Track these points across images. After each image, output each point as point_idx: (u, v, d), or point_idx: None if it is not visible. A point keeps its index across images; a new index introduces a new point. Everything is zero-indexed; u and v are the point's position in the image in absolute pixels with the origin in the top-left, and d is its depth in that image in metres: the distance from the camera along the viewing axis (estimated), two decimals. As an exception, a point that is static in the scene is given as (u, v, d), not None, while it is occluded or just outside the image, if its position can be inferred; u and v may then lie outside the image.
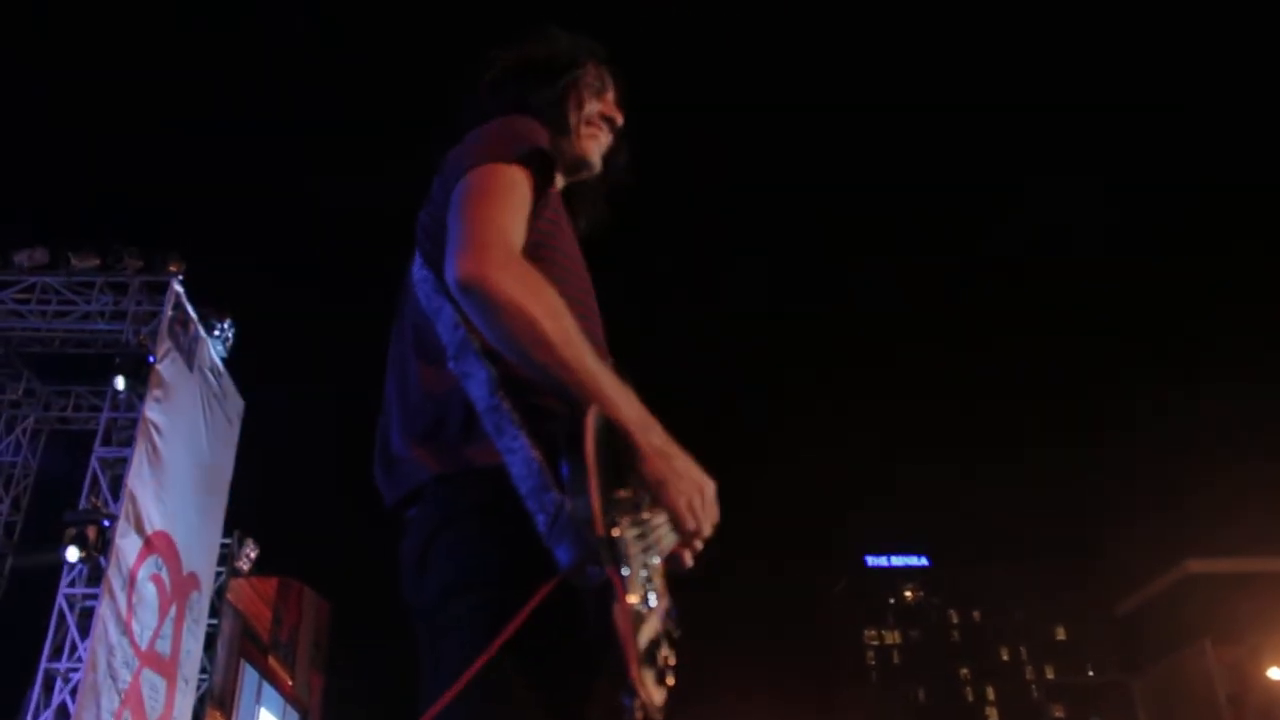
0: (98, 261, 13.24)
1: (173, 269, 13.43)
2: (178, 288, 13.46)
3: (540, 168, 1.81)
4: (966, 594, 79.82)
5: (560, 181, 1.98)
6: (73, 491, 12.32)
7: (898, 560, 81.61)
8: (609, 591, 1.40)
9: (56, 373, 14.45)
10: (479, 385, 1.62)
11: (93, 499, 12.11)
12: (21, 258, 13.04)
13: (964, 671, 77.60)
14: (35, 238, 13.27)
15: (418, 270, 1.86)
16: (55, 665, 11.28)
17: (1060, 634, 78.36)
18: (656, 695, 1.43)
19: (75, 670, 11.19)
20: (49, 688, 11.25)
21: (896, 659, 78.68)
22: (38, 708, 11.14)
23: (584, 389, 1.55)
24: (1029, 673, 77.34)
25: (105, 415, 12.70)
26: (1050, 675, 75.73)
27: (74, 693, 11.09)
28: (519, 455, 1.53)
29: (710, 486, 1.64)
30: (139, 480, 12.34)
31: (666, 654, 1.48)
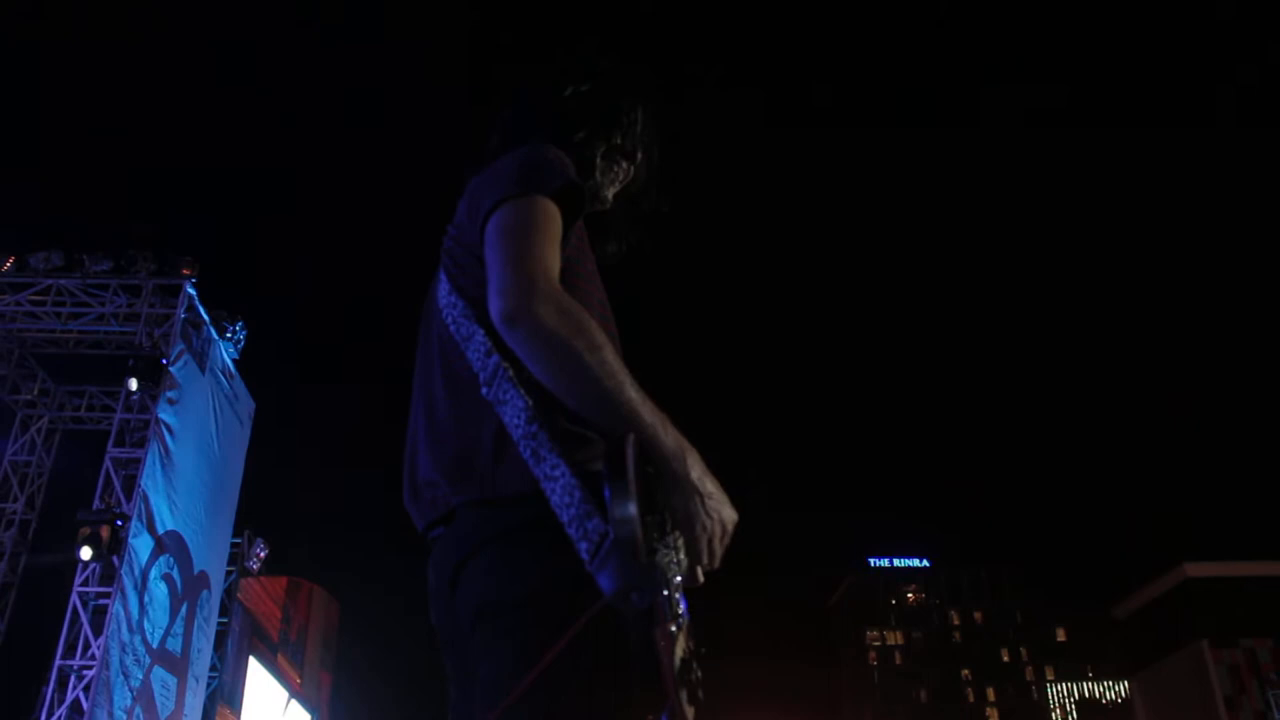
0: (111, 264, 13.42)
1: (185, 272, 13.61)
2: (190, 290, 13.65)
3: (573, 201, 1.82)
4: (968, 595, 79.84)
5: None
6: (86, 491, 12.48)
7: (900, 562, 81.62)
8: (650, 616, 1.42)
9: (70, 373, 14.65)
10: (515, 413, 1.62)
11: (106, 499, 12.28)
12: (37, 260, 13.21)
13: (965, 672, 77.60)
14: (51, 240, 13.46)
15: (444, 296, 1.86)
16: (69, 662, 11.44)
17: (1060, 635, 78.42)
18: (689, 713, 1.46)
19: (88, 667, 11.35)
20: (63, 684, 11.42)
21: (898, 659, 78.67)
22: (51, 704, 11.30)
23: (625, 420, 1.58)
24: (1029, 674, 77.37)
25: (118, 416, 12.86)
26: (1050, 676, 75.82)
27: (87, 689, 11.26)
28: (559, 483, 1.53)
29: (733, 523, 1.66)
30: (151, 480, 12.52)
31: (696, 672, 1.50)
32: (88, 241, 13.55)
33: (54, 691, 11.37)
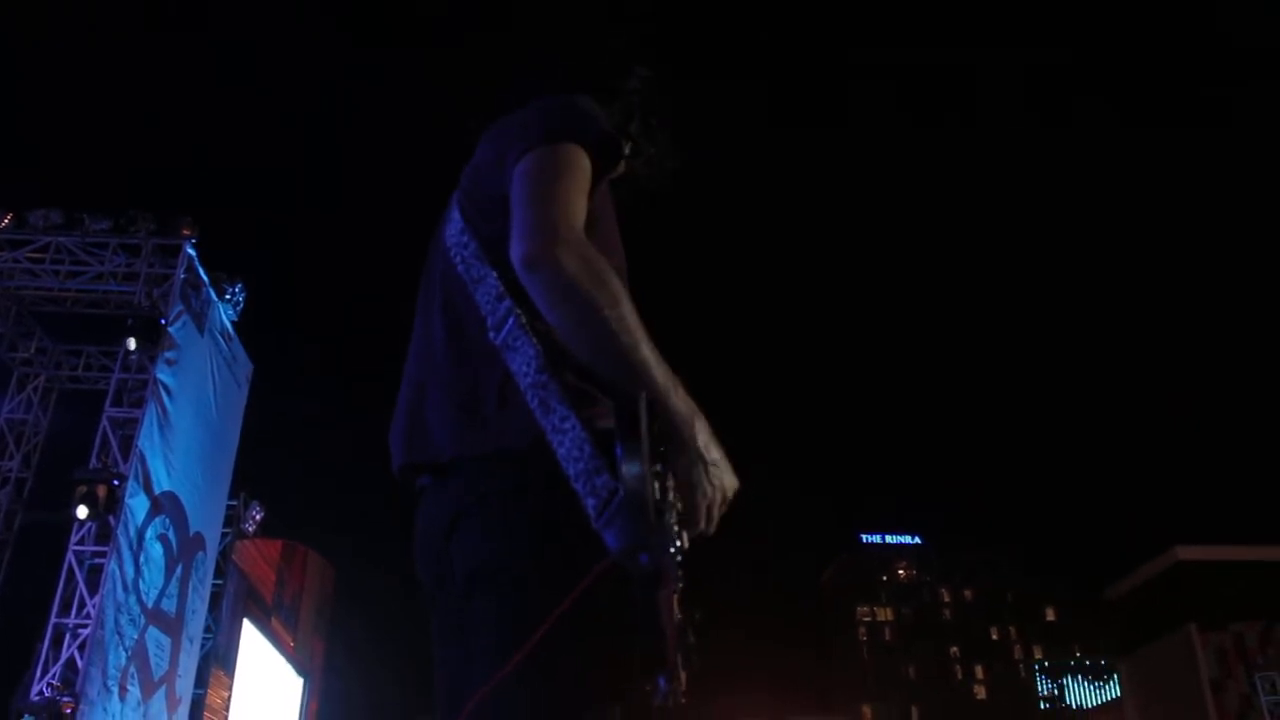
0: (111, 223, 13.35)
1: (185, 232, 13.54)
2: (190, 251, 13.58)
3: (606, 153, 1.78)
4: (958, 573, 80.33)
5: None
6: (82, 450, 12.47)
7: (892, 539, 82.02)
8: (656, 578, 1.40)
9: (68, 332, 14.60)
10: (525, 360, 1.59)
11: (102, 458, 12.28)
12: (37, 217, 13.13)
13: (954, 649, 78.21)
14: (51, 198, 13.38)
15: (455, 235, 1.82)
16: (64, 621, 11.47)
17: (1050, 615, 78.99)
18: (682, 677, 1.45)
19: (83, 626, 11.38)
20: (58, 643, 11.44)
21: (888, 635, 79.22)
22: (46, 662, 11.34)
23: (638, 377, 1.54)
24: (1018, 652, 77.97)
25: (116, 376, 12.83)
26: (1038, 656, 76.40)
27: (81, 648, 11.30)
28: (569, 435, 1.50)
29: (734, 490, 1.64)
30: (148, 441, 12.51)
31: (691, 637, 1.49)
32: (88, 199, 13.48)
33: (49, 649, 11.39)
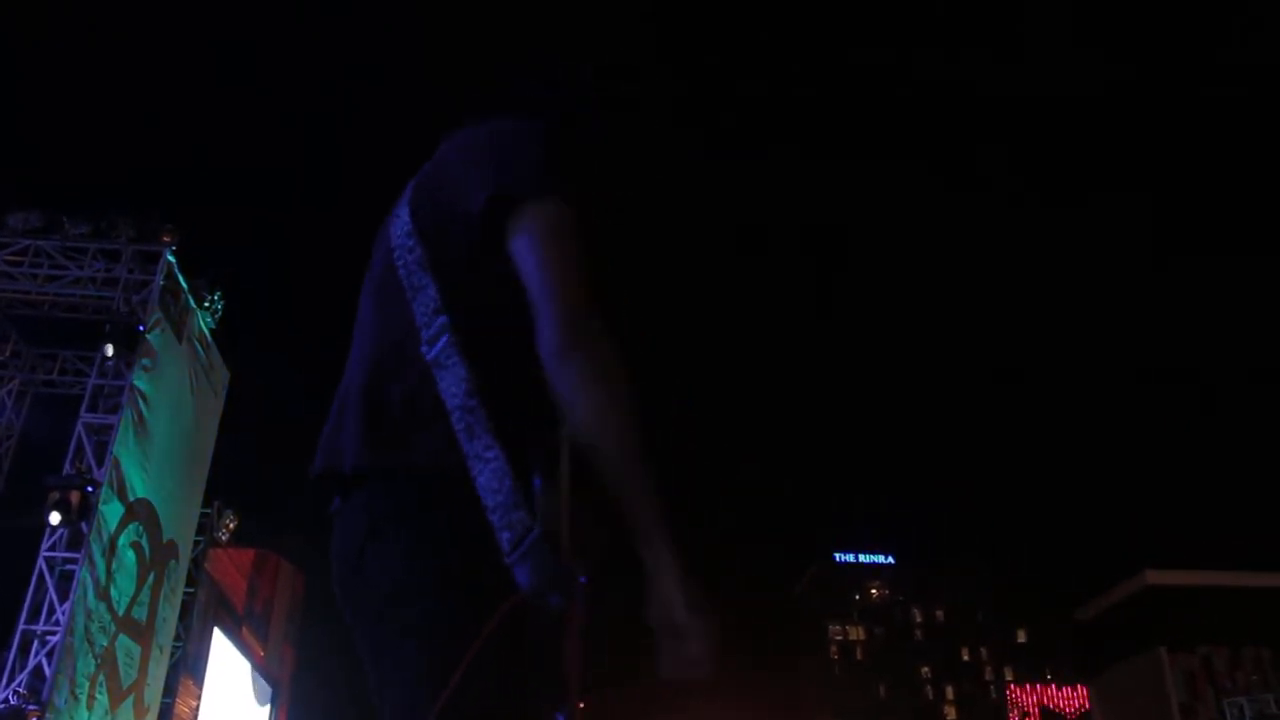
0: (91, 228, 13.28)
1: (165, 239, 13.49)
2: (169, 258, 13.53)
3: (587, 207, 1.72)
4: (930, 593, 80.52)
5: None
6: (55, 454, 12.39)
7: (865, 558, 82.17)
8: (564, 620, 1.42)
9: (44, 336, 14.50)
10: (455, 381, 1.53)
11: (77, 464, 12.19)
12: (16, 220, 13.05)
13: (925, 670, 78.30)
14: (30, 201, 13.30)
15: (402, 236, 1.72)
16: (33, 627, 11.37)
17: (1021, 636, 79.26)
18: (580, 709, 1.49)
19: (52, 633, 11.28)
20: (25, 649, 11.34)
21: (859, 655, 79.25)
22: (14, 669, 11.22)
23: (639, 480, 1.51)
24: (988, 673, 78.19)
25: (92, 381, 12.76)
26: (1009, 676, 76.65)
27: (50, 655, 11.19)
28: (491, 466, 1.46)
29: (705, 640, 1.55)
30: (124, 447, 12.43)
31: (593, 672, 1.52)
32: (69, 203, 13.41)
33: (16, 656, 11.29)
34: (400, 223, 1.74)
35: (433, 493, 1.51)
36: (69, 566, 11.62)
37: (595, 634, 1.52)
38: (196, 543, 15.84)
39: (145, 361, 12.90)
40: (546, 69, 1.97)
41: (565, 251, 1.62)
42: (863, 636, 79.89)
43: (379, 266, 1.77)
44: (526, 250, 1.62)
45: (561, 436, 1.48)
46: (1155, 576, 42.15)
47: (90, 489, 11.73)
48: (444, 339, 1.56)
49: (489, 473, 1.46)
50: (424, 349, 1.58)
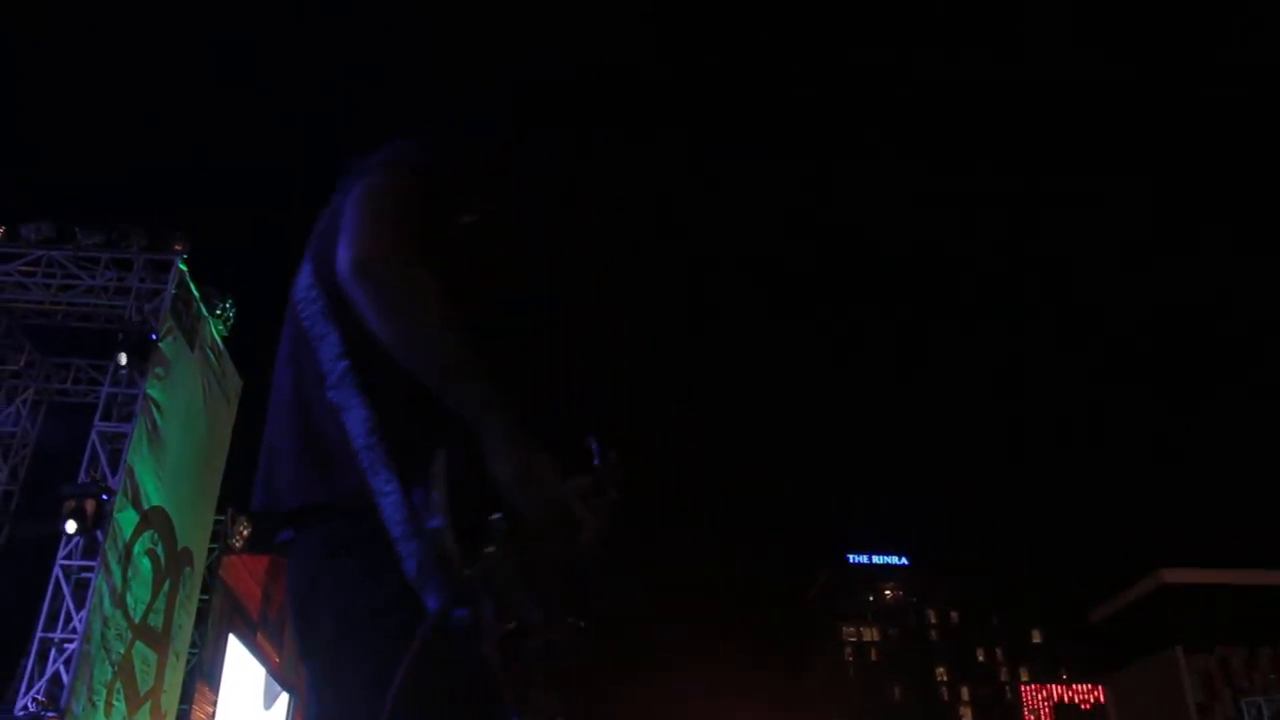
0: (103, 237, 13.36)
1: (177, 247, 13.57)
2: (181, 266, 13.60)
3: (449, 180, 1.85)
4: (945, 594, 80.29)
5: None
6: (70, 463, 12.45)
7: (878, 559, 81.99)
8: (475, 631, 1.47)
9: (58, 345, 14.56)
10: (357, 422, 1.63)
11: (91, 472, 12.25)
12: (29, 231, 13.14)
13: (940, 671, 78.08)
14: (43, 212, 13.39)
15: (305, 289, 1.82)
16: (50, 635, 11.43)
17: (1036, 637, 78.95)
18: (545, 699, 1.57)
19: (70, 641, 11.35)
20: (43, 657, 11.41)
21: (874, 656, 79.06)
22: (32, 676, 11.29)
23: (449, 379, 1.61)
24: (1004, 674, 77.90)
25: (106, 390, 12.83)
26: (1025, 677, 76.37)
27: (68, 662, 11.26)
28: (390, 499, 1.55)
29: (552, 494, 1.62)
30: (138, 456, 12.51)
31: (555, 669, 1.59)
32: (81, 214, 13.49)
33: (34, 664, 11.36)
34: (303, 275, 1.84)
35: (364, 527, 1.58)
36: (85, 574, 11.69)
37: (518, 634, 1.54)
38: (211, 550, 15.91)
39: (158, 370, 12.97)
40: (479, 95, 2.11)
41: (375, 195, 1.73)
42: (877, 638, 79.70)
43: (289, 317, 1.86)
44: (345, 209, 1.74)
45: (437, 455, 1.54)
46: (1170, 575, 41.96)
47: (105, 497, 11.81)
48: (346, 381, 1.66)
49: (389, 505, 1.55)
50: (330, 394, 1.67)
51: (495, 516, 1.52)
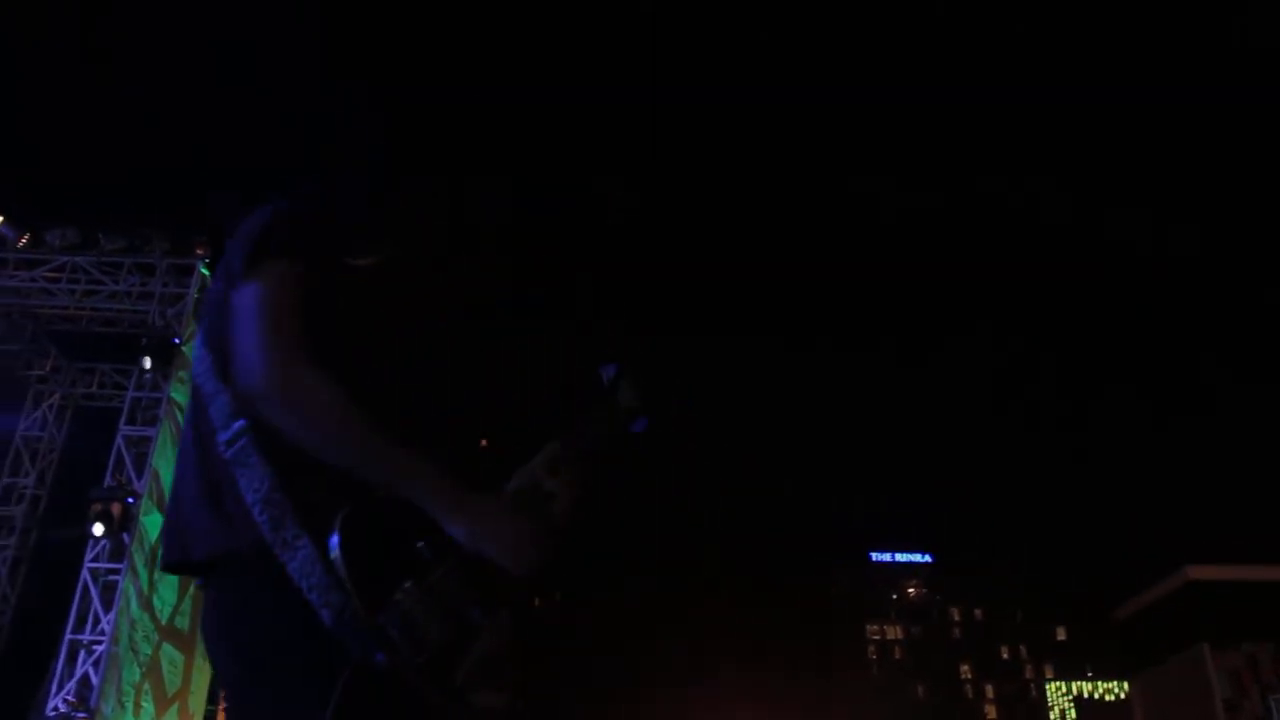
0: (126, 242, 13.47)
1: (199, 251, 13.66)
2: (204, 270, 13.70)
3: (319, 250, 1.88)
4: (969, 592, 79.99)
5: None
6: (97, 467, 12.58)
7: (902, 557, 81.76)
8: (397, 672, 1.54)
9: (83, 350, 14.71)
10: (256, 478, 1.67)
11: (118, 476, 12.38)
12: (53, 237, 13.25)
13: (964, 669, 77.80)
14: (67, 217, 13.51)
15: (199, 347, 1.88)
16: (79, 637, 11.55)
17: (1060, 635, 78.54)
18: (497, 700, 1.64)
19: (98, 642, 11.47)
20: (72, 659, 11.52)
21: (898, 654, 78.87)
22: (61, 678, 11.42)
23: (376, 467, 1.70)
24: (1028, 672, 77.54)
25: (130, 394, 12.94)
26: (1049, 675, 75.99)
27: (96, 664, 11.38)
28: (302, 553, 1.60)
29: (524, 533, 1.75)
30: (163, 459, 12.60)
31: (503, 668, 1.67)
32: (104, 219, 13.61)
33: (64, 665, 11.48)
34: (198, 335, 1.92)
35: (271, 574, 1.63)
36: (112, 577, 11.80)
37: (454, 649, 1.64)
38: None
39: (182, 374, 13.06)
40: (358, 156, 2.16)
41: (264, 319, 1.76)
42: (901, 636, 79.49)
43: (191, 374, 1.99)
44: (231, 323, 1.79)
45: (335, 516, 1.61)
46: (1196, 572, 41.65)
47: (131, 500, 11.92)
48: (243, 440, 1.71)
49: (301, 559, 1.60)
50: (223, 450, 1.72)
51: (419, 544, 1.65)
